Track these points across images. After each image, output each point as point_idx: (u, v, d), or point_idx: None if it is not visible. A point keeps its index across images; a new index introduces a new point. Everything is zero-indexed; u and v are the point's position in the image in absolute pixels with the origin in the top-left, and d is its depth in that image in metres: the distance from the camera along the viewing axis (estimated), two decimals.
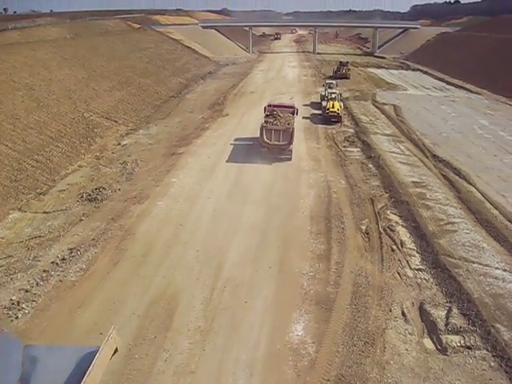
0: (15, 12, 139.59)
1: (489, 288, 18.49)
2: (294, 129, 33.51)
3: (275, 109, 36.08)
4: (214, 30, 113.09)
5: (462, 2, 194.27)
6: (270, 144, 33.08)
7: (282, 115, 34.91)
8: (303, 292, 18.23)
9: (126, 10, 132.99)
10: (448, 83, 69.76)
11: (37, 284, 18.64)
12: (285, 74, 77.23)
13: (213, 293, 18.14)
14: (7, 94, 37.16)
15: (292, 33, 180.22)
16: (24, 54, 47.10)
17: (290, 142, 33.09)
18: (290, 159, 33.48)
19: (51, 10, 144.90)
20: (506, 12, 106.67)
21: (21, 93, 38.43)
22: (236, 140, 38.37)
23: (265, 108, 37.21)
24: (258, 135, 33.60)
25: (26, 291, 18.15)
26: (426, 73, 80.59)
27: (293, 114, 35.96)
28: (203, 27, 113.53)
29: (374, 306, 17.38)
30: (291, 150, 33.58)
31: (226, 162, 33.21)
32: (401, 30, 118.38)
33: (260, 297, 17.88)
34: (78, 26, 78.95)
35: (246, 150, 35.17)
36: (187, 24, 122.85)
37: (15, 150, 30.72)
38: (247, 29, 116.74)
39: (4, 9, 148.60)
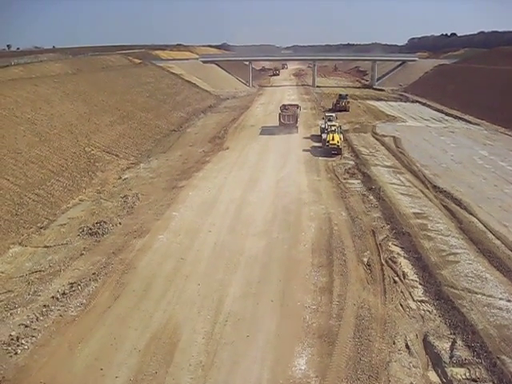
0: (18, 48, 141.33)
1: (493, 319, 18.30)
2: (298, 114, 57.01)
3: (286, 105, 59.17)
4: (214, 65, 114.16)
5: (458, 35, 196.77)
6: (284, 123, 54.86)
7: (291, 108, 58.01)
8: (305, 325, 18.04)
9: (128, 46, 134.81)
10: (447, 114, 70.22)
11: (37, 319, 18.49)
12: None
13: (214, 327, 17.96)
14: (9, 128, 37.45)
15: (283, 68, 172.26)
16: (26, 89, 47.59)
17: (296, 122, 55.58)
18: (296, 132, 55.08)
19: (53, 46, 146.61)
20: (501, 44, 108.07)
21: (23, 127, 38.72)
22: (236, 173, 38.55)
23: (280, 107, 58.35)
24: (278, 123, 55.28)
25: (26, 326, 17.99)
26: (424, 104, 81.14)
27: (297, 109, 58.65)
28: (203, 62, 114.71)
29: (378, 339, 17.18)
30: (297, 127, 55.99)
31: (227, 195, 33.22)
32: (399, 63, 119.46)
33: (262, 331, 17.68)
34: (79, 61, 79.92)
35: (246, 185, 35.27)
36: (187, 59, 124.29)
37: (16, 185, 30.81)
38: (247, 63, 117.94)
39: (7, 45, 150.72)
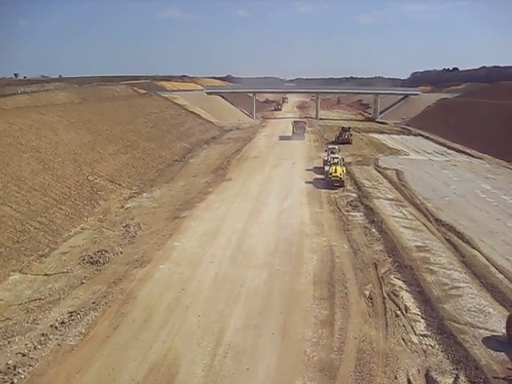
0: (25, 77, 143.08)
1: (496, 354, 18.07)
2: (305, 127, 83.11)
3: (297, 121, 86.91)
4: (218, 96, 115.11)
5: (460, 69, 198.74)
6: (295, 132, 79.18)
7: (300, 123, 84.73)
8: (306, 358, 17.83)
9: (133, 76, 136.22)
10: (449, 148, 70.51)
11: (34, 348, 18.32)
12: (288, 139, 78.13)
13: (214, 359, 17.75)
14: (14, 156, 37.67)
15: (283, 102, 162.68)
16: (32, 117, 47.99)
17: (304, 132, 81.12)
18: (303, 139, 77.80)
19: (60, 75, 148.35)
20: (502, 79, 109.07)
21: (27, 155, 38.95)
22: (239, 204, 38.61)
23: (292, 122, 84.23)
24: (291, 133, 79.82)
25: (23, 355, 17.81)
26: (427, 138, 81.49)
27: (305, 123, 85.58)
28: (208, 93, 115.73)
29: (379, 374, 16.96)
30: (304, 135, 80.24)
31: (229, 226, 33.15)
32: (401, 96, 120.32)
33: (262, 363, 17.48)
34: (85, 90, 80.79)
35: (248, 217, 35.27)
36: (192, 90, 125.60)
37: (19, 212, 30.85)
38: (251, 95, 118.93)
39: (15, 74, 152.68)
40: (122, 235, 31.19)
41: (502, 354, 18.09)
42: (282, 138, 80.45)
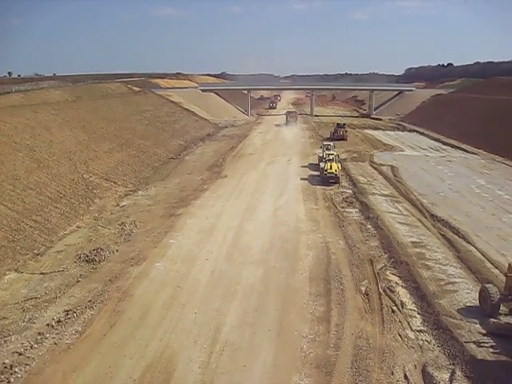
0: (19, 75, 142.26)
1: (492, 349, 18.08)
2: (297, 116, 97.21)
3: (290, 111, 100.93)
4: (212, 93, 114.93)
5: (454, 65, 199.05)
6: (289, 120, 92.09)
7: (293, 113, 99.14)
8: (303, 355, 17.82)
9: (127, 74, 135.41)
10: (444, 143, 70.69)
11: (31, 347, 18.24)
12: (283, 136, 78.13)
13: (211, 356, 17.72)
14: (8, 154, 37.48)
15: (276, 99, 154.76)
16: (26, 115, 47.75)
17: (296, 120, 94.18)
18: (296, 125, 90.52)
19: (54, 74, 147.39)
20: (496, 74, 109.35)
21: (21, 154, 38.78)
22: (234, 201, 38.58)
23: (285, 113, 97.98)
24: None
25: (20, 354, 17.72)
26: (422, 133, 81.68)
27: (296, 113, 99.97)
28: (202, 90, 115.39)
29: (376, 369, 16.97)
30: (296, 123, 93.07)
31: (225, 223, 33.14)
32: (396, 92, 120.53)
33: (259, 360, 17.47)
34: (79, 88, 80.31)
35: (243, 214, 35.26)
36: (187, 87, 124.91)
37: (14, 211, 30.73)
38: (246, 92, 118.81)
39: (8, 72, 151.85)
40: (118, 233, 31.10)
41: (498, 348, 18.12)
42: (277, 125, 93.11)
